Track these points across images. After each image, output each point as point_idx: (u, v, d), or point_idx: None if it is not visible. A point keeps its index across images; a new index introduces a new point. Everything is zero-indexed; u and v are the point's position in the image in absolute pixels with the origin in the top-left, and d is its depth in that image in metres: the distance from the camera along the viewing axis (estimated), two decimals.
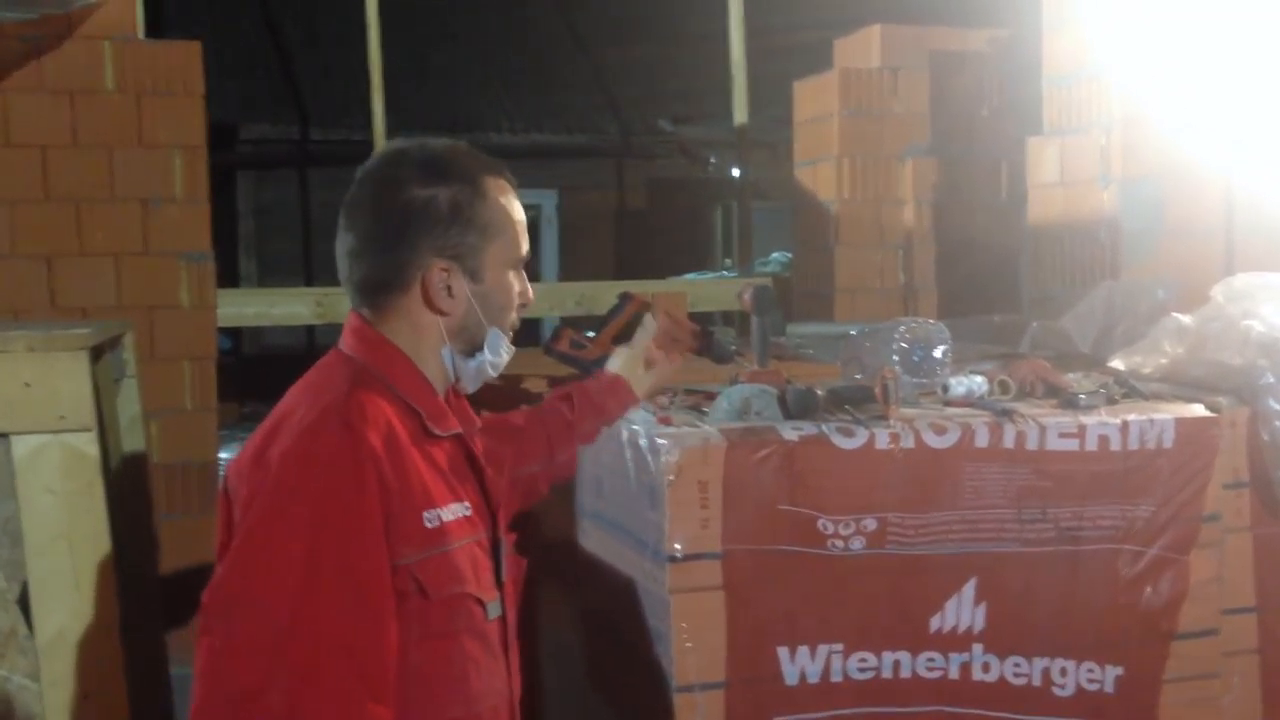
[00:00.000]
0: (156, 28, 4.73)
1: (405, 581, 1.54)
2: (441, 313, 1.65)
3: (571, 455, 2.11)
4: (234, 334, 9.40)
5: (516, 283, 1.72)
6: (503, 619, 1.71)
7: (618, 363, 2.16)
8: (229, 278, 9.11)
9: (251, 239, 10.79)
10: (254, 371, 9.05)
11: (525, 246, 1.73)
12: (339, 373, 1.62)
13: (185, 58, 4.04)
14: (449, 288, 1.64)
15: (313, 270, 10.30)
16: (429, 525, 1.57)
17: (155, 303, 3.97)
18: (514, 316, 1.75)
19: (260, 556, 1.47)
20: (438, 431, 1.64)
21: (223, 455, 4.61)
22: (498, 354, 1.72)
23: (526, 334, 1.93)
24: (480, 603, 1.64)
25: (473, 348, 1.70)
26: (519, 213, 1.72)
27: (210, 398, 4.04)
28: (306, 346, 9.77)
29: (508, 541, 1.78)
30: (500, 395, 2.68)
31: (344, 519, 1.49)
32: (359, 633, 1.48)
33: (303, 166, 10.74)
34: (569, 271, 11.20)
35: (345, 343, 1.68)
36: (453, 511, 1.61)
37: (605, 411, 2.07)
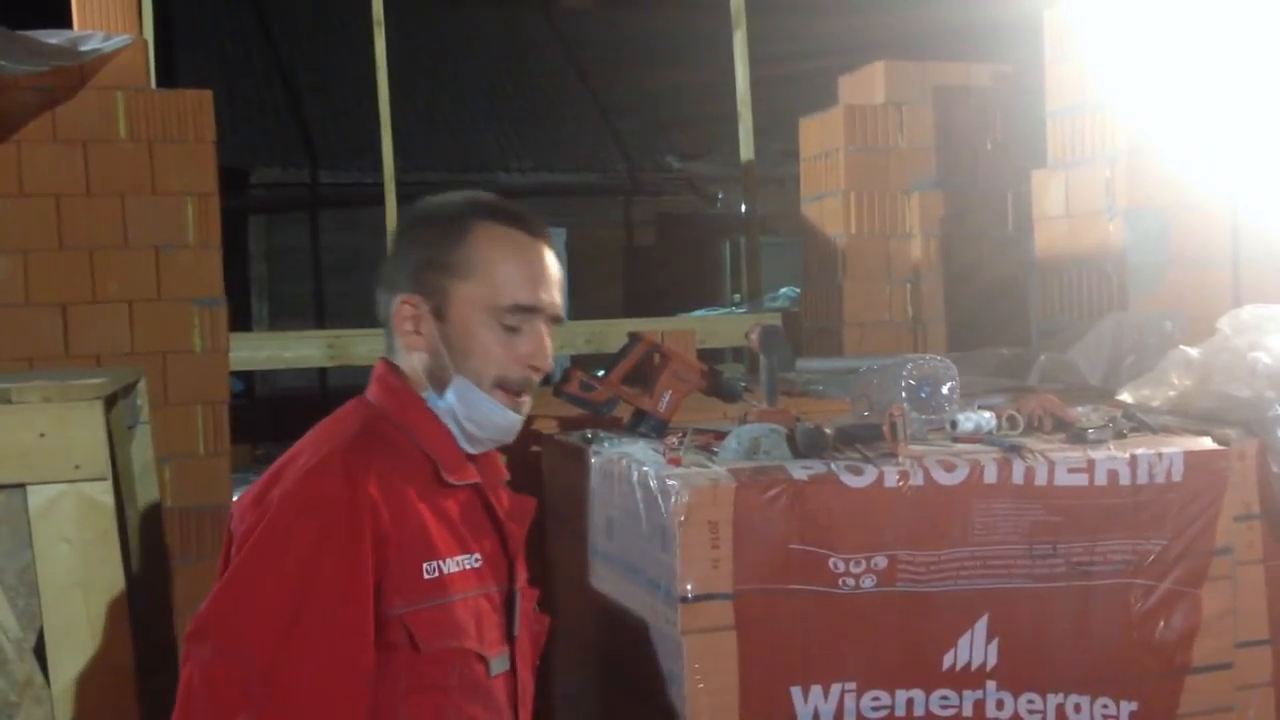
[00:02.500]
0: (168, 76, 4.78)
1: (396, 632, 1.50)
2: (413, 350, 1.62)
3: None
4: (246, 376, 9.44)
5: (497, 334, 1.59)
6: (512, 675, 1.64)
7: None
8: (241, 321, 9.16)
9: (263, 282, 10.86)
10: (267, 414, 9.10)
11: (517, 297, 1.59)
12: (352, 418, 1.62)
13: (197, 106, 4.09)
14: (416, 322, 1.61)
15: (324, 312, 10.35)
16: (428, 576, 1.53)
17: (168, 348, 4.00)
18: (508, 374, 1.61)
19: (245, 596, 1.46)
20: (451, 480, 1.60)
21: (237, 498, 4.63)
22: (470, 407, 1.60)
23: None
24: (482, 658, 1.58)
25: (444, 392, 1.62)
26: (518, 263, 1.60)
27: (223, 441, 4.06)
28: (319, 388, 9.81)
29: (527, 597, 1.71)
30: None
31: (333, 568, 1.47)
32: (334, 684, 1.45)
33: (313, 209, 10.82)
34: (578, 309, 11.23)
35: (369, 388, 1.67)
36: (458, 563, 1.57)
37: None
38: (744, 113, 6.06)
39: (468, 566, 1.58)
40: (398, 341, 1.64)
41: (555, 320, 1.64)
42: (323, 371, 8.80)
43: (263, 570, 1.46)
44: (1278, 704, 2.20)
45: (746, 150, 6.09)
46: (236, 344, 4.35)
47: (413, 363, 1.63)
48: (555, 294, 1.63)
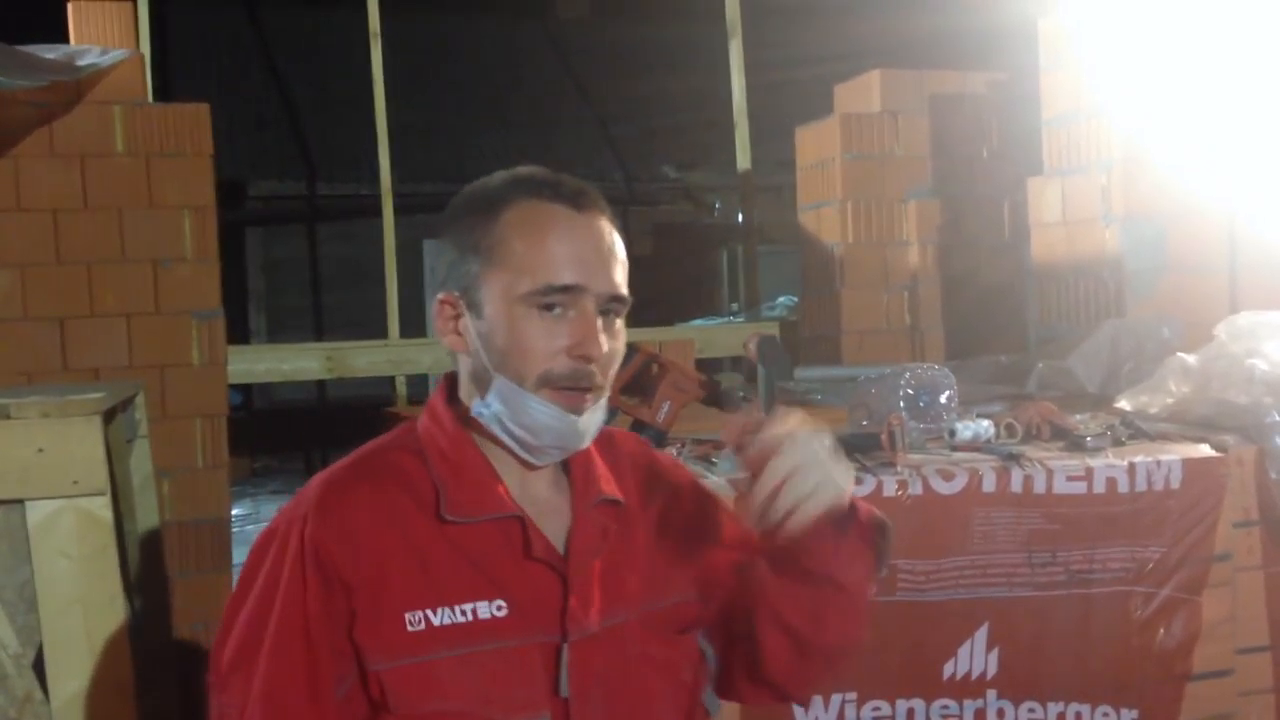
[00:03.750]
0: (165, 90, 4.79)
1: (376, 690, 1.31)
2: (456, 351, 1.41)
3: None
4: (245, 389, 9.45)
5: (537, 324, 1.34)
6: None
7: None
8: (239, 334, 9.17)
9: (261, 294, 10.87)
10: (265, 427, 9.10)
11: (553, 277, 1.34)
12: (373, 443, 1.45)
13: (194, 119, 4.09)
14: (455, 322, 1.40)
15: (322, 324, 10.35)
16: (412, 629, 1.31)
17: (167, 361, 4.00)
18: (553, 368, 1.34)
19: (223, 638, 1.35)
20: (449, 517, 1.35)
21: (235, 511, 4.62)
22: (516, 410, 1.35)
23: None
24: None
25: (487, 396, 1.39)
26: (557, 239, 1.35)
27: (222, 455, 4.06)
28: (317, 401, 9.81)
29: (606, 640, 1.38)
30: None
31: (276, 620, 1.32)
32: None
33: (311, 221, 10.83)
34: None
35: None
36: (463, 612, 1.32)
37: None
38: (740, 122, 6.08)
39: (482, 616, 1.33)
40: (445, 346, 1.43)
41: (615, 301, 1.36)
42: (321, 384, 8.80)
43: (233, 612, 1.35)
44: (1278, 710, 2.20)
45: (743, 159, 6.10)
46: (235, 357, 4.35)
47: (462, 368, 1.42)
48: (609, 272, 1.36)
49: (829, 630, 1.45)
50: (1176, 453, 2.14)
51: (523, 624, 1.34)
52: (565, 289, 1.34)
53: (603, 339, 1.35)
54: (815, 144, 5.08)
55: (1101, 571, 2.07)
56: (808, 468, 1.33)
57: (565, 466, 1.43)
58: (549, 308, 1.34)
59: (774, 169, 8.13)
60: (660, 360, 2.46)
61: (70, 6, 4.78)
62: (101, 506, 2.42)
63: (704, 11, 6.35)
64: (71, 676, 2.41)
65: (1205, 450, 2.16)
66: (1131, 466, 2.09)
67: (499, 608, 1.34)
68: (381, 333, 5.53)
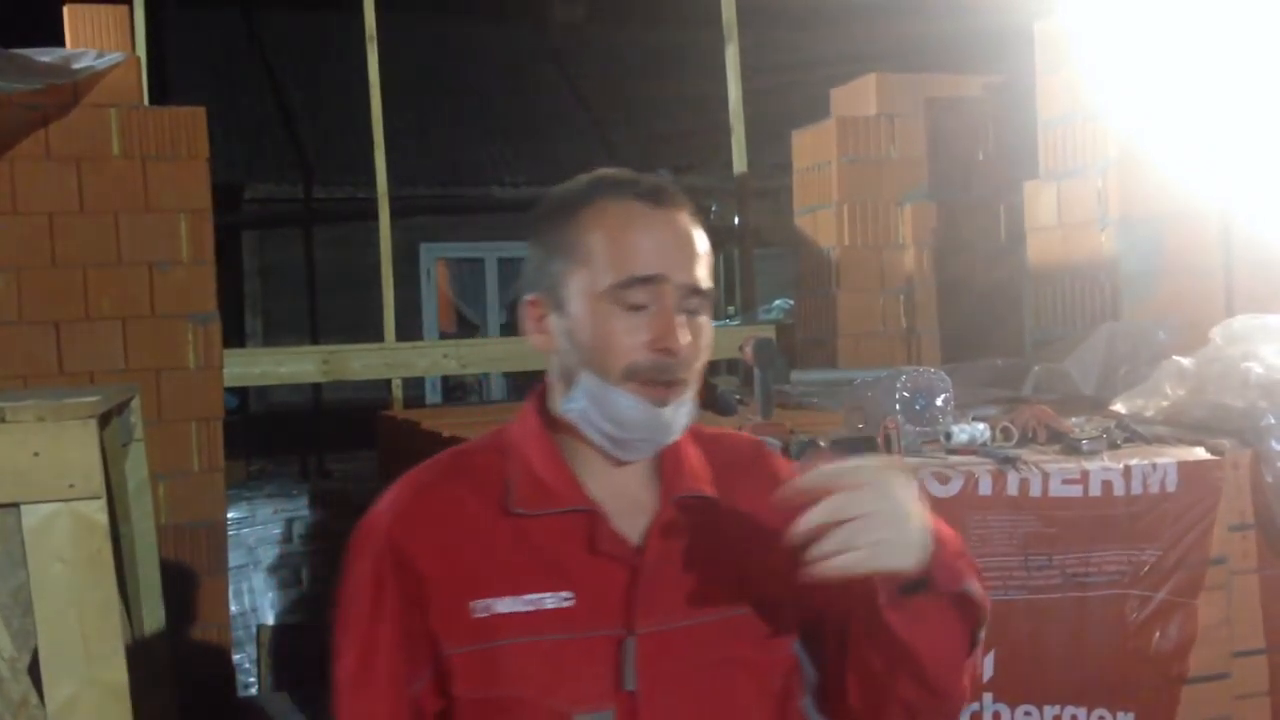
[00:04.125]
0: (162, 93, 4.79)
1: (446, 676, 1.36)
2: (543, 350, 1.44)
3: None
4: (241, 392, 9.43)
5: (620, 319, 1.35)
6: None
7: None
8: (235, 337, 9.16)
9: (257, 297, 10.85)
10: (261, 430, 9.09)
11: (632, 269, 1.35)
12: (462, 444, 1.51)
13: (190, 122, 4.10)
14: (542, 322, 1.42)
15: (318, 327, 10.34)
16: (476, 616, 1.35)
17: (162, 365, 4.00)
18: (636, 361, 1.35)
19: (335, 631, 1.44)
20: (518, 510, 1.39)
21: (231, 515, 4.62)
22: (602, 404, 1.37)
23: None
24: (560, 712, 1.35)
25: (573, 392, 1.41)
26: (636, 233, 1.37)
27: (218, 458, 4.06)
28: (314, 404, 9.80)
29: (693, 640, 1.38)
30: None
31: (355, 613, 1.40)
32: None
33: (307, 225, 10.82)
34: None
35: None
36: (529, 602, 1.35)
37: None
38: (736, 126, 6.08)
39: (547, 606, 1.36)
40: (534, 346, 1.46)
41: (696, 295, 1.37)
42: (317, 387, 8.79)
43: (339, 608, 1.43)
44: (1274, 713, 2.20)
45: (739, 163, 6.11)
46: (230, 360, 4.34)
47: (550, 368, 1.45)
48: (689, 264, 1.37)
49: (901, 687, 1.39)
50: (1172, 456, 2.14)
51: (589, 616, 1.36)
52: (645, 280, 1.35)
53: (683, 333, 1.35)
54: (812, 147, 5.08)
55: (1097, 575, 2.07)
56: (878, 518, 1.25)
57: (658, 462, 1.44)
58: (631, 303, 1.36)
59: (771, 172, 8.13)
60: None
61: (66, 10, 4.78)
62: (97, 510, 2.42)
63: (701, 16, 6.35)
64: (67, 681, 2.41)
65: (1201, 454, 2.17)
66: (1127, 470, 2.09)
67: (566, 599, 1.36)
68: (378, 336, 5.53)
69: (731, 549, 1.43)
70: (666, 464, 1.44)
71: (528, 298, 1.44)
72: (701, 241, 1.40)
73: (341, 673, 1.39)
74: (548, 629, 1.35)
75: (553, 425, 1.44)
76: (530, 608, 1.35)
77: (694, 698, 1.37)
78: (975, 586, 1.38)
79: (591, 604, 1.36)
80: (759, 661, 1.42)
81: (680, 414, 1.38)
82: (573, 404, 1.39)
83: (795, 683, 1.46)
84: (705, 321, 1.39)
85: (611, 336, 1.36)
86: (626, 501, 1.41)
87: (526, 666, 1.35)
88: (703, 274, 1.38)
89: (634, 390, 1.36)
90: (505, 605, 1.35)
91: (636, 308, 1.36)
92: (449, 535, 1.38)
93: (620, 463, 1.41)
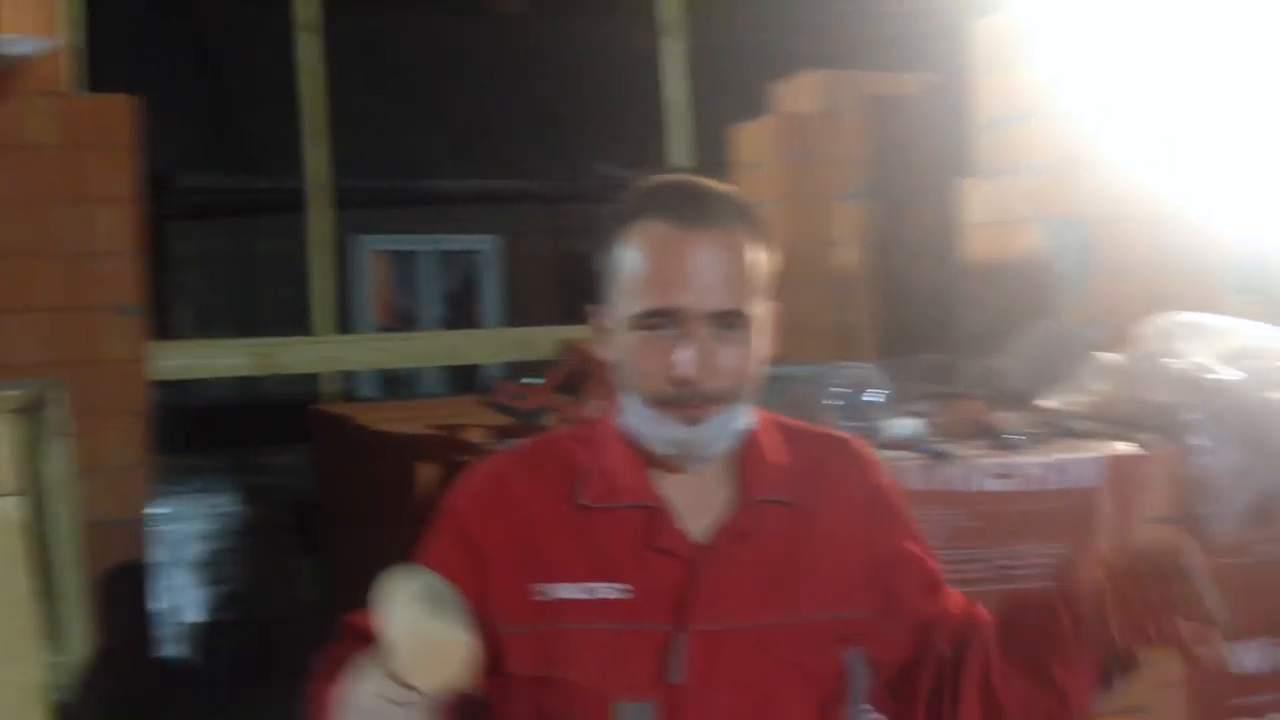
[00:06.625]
0: (92, 81, 4.68)
1: (500, 654, 1.41)
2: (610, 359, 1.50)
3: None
4: (170, 385, 9.28)
5: (646, 344, 1.40)
6: None
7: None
8: (165, 329, 9.00)
9: (188, 289, 10.69)
10: (190, 424, 8.93)
11: (648, 301, 1.38)
12: (553, 431, 1.62)
13: (118, 111, 4.00)
14: (601, 333, 1.48)
15: (253, 320, 10.20)
16: (536, 599, 1.41)
17: (87, 357, 3.91)
18: (657, 388, 1.40)
19: None
20: (584, 502, 1.44)
21: (157, 511, 4.53)
22: (637, 421, 1.43)
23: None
24: (604, 698, 1.39)
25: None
26: (658, 261, 1.39)
27: (143, 453, 3.97)
28: (247, 398, 9.66)
29: (753, 641, 1.42)
30: (442, 445, 2.66)
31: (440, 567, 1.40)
32: None
33: (241, 215, 10.67)
34: (513, 316, 11.20)
35: None
36: (586, 590, 1.41)
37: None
38: (676, 122, 6.08)
39: (604, 596, 1.41)
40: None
41: (720, 319, 1.38)
42: (249, 381, 8.67)
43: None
44: (1187, 700, 2.24)
45: (681, 158, 6.11)
46: (159, 353, 4.26)
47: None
48: (711, 289, 1.37)
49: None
50: (1099, 451, 2.16)
51: (644, 609, 1.41)
52: (660, 313, 1.38)
53: (706, 357, 1.37)
54: (752, 144, 5.09)
55: (1024, 568, 2.08)
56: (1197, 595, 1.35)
57: (738, 461, 1.47)
58: (653, 329, 1.39)
59: (715, 169, 8.15)
60: (590, 359, 2.45)
61: None
62: (12, 507, 2.35)
63: (646, 10, 6.34)
64: None
65: (1127, 449, 2.19)
66: (1055, 464, 2.11)
67: (622, 590, 1.41)
68: (313, 328, 5.45)
69: (805, 555, 1.45)
70: (747, 464, 1.47)
71: (591, 308, 1.49)
72: (734, 261, 1.40)
73: None
74: (603, 618, 1.40)
75: None
76: (589, 596, 1.41)
77: (739, 696, 1.40)
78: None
79: (647, 598, 1.41)
80: (810, 664, 1.44)
81: (719, 428, 1.41)
82: (623, 418, 1.46)
83: (843, 686, 1.48)
84: (744, 336, 1.40)
85: (637, 362, 1.42)
86: (698, 500, 1.45)
87: (579, 652, 1.40)
88: (728, 295, 1.38)
89: (666, 411, 1.40)
90: (566, 591, 1.41)
91: (659, 335, 1.39)
92: (518, 521, 1.45)
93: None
